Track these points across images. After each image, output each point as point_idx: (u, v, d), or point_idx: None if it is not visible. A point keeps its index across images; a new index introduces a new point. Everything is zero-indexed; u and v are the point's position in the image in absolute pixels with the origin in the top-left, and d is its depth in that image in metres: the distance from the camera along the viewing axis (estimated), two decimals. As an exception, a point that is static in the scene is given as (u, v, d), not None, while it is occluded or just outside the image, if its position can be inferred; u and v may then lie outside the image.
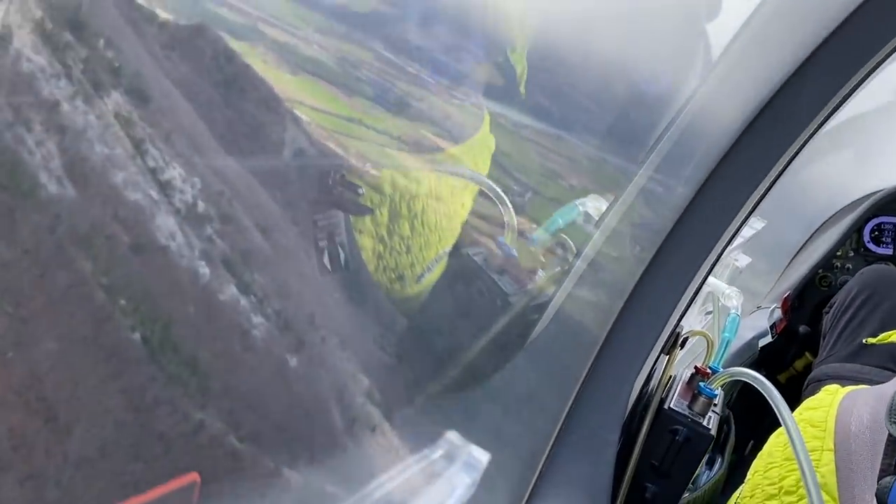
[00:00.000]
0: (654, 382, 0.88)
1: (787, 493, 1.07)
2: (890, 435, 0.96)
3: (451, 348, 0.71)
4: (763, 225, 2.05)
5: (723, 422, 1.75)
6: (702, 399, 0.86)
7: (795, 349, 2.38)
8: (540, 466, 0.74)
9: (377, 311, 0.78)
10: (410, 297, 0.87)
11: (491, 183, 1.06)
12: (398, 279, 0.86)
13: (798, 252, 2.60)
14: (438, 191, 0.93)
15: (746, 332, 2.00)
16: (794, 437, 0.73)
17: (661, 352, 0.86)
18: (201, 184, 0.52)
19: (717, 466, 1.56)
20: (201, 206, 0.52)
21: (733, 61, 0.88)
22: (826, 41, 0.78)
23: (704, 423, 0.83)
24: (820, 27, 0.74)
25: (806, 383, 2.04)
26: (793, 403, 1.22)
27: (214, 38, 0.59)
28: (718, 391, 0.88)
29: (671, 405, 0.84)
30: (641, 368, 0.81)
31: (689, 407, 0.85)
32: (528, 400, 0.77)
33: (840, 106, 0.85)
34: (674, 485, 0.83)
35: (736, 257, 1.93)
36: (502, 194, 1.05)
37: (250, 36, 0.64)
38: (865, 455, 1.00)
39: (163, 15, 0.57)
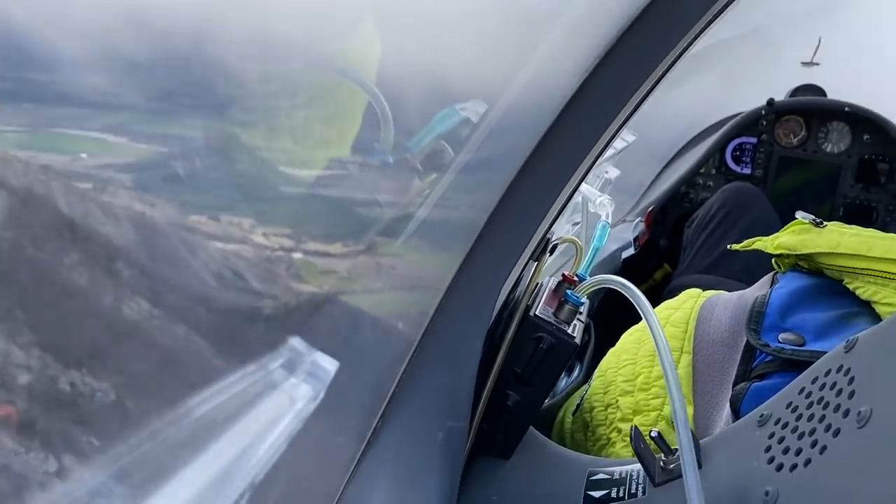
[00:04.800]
0: (521, 289, 0.85)
1: (641, 389, 1.10)
2: (747, 342, 0.99)
3: (312, 251, 0.65)
4: (634, 138, 2.08)
5: (584, 330, 1.80)
6: (568, 307, 0.84)
7: (656, 261, 2.46)
8: (399, 374, 0.70)
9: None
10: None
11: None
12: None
13: (664, 168, 2.68)
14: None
15: (611, 244, 2.05)
16: (657, 337, 0.73)
17: (531, 258, 0.83)
18: None
19: (575, 373, 1.61)
20: None
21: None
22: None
23: (569, 331, 0.82)
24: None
25: (665, 293, 2.12)
26: (653, 311, 1.25)
27: None
28: (585, 299, 0.87)
29: (537, 312, 0.82)
30: (509, 275, 0.78)
31: (555, 314, 0.84)
32: (388, 307, 0.72)
33: (708, 26, 0.83)
34: (536, 392, 0.82)
35: (606, 169, 1.94)
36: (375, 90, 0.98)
37: None
38: (723, 360, 1.03)
39: None
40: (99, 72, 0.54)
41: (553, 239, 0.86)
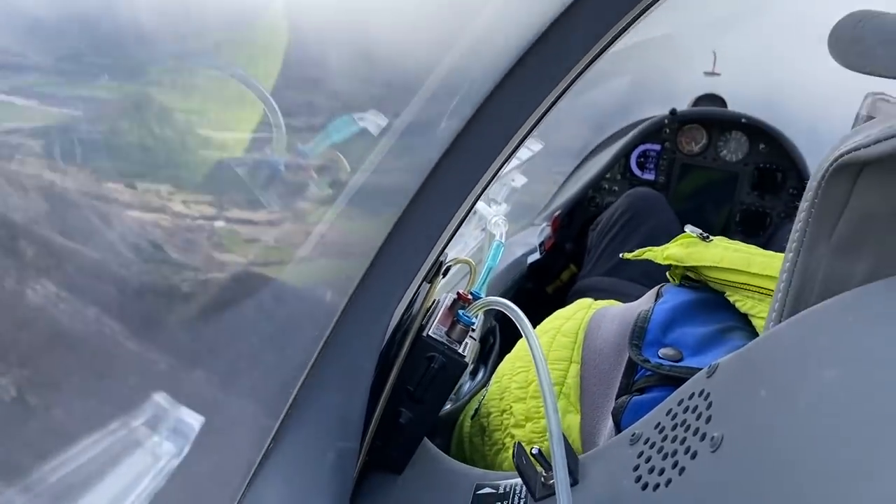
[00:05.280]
0: (415, 309, 0.88)
1: (534, 396, 1.14)
2: (630, 356, 1.04)
3: (188, 278, 0.65)
4: (541, 147, 2.14)
5: (489, 333, 1.84)
6: (459, 326, 0.87)
7: (563, 263, 2.54)
8: (291, 398, 0.72)
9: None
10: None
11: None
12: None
13: (571, 173, 2.75)
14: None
15: (518, 249, 2.10)
16: (539, 364, 0.77)
17: (424, 280, 0.86)
18: None
19: (480, 376, 1.65)
20: None
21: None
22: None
23: (460, 351, 0.85)
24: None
25: (570, 294, 2.19)
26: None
27: None
28: (476, 318, 0.90)
29: (430, 332, 0.85)
30: (403, 297, 0.81)
31: (448, 334, 0.87)
32: (282, 333, 0.74)
33: (617, 38, 0.87)
34: (427, 409, 0.85)
35: (513, 177, 2.00)
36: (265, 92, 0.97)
37: None
38: (608, 372, 1.08)
39: None
40: (2, 30, 0.52)
41: (447, 260, 0.89)
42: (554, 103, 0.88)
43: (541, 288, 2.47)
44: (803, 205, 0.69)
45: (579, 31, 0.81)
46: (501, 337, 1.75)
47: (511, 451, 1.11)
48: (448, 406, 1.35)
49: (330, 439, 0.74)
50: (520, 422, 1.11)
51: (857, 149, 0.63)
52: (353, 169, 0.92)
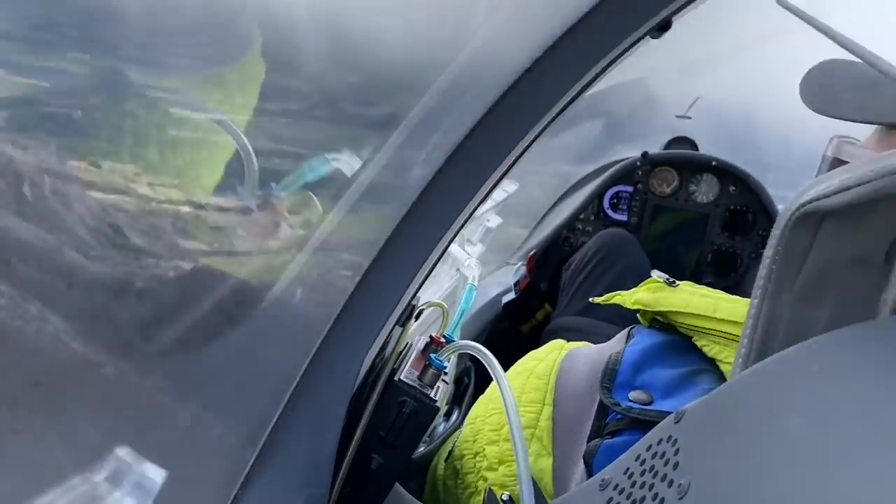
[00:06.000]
0: (387, 353, 0.88)
1: (507, 439, 1.14)
2: (601, 399, 1.05)
3: (154, 320, 0.65)
4: (516, 188, 2.16)
5: (463, 373, 1.84)
6: (431, 370, 0.87)
7: (538, 302, 2.55)
8: (260, 445, 0.71)
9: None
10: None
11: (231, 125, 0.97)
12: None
13: (545, 214, 2.78)
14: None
15: (493, 289, 2.11)
16: (509, 408, 0.77)
17: (396, 323, 0.86)
18: None
19: (454, 418, 1.64)
20: None
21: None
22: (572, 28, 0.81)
23: (432, 395, 0.85)
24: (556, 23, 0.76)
25: (544, 334, 2.20)
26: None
27: None
28: (448, 362, 0.90)
29: (401, 377, 0.85)
30: (375, 341, 0.81)
31: (420, 378, 0.87)
32: (251, 379, 0.73)
33: (593, 82, 0.88)
34: (399, 454, 0.85)
35: (488, 218, 2.01)
36: (244, 139, 0.98)
37: None
38: (580, 415, 1.08)
39: None
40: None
41: (420, 304, 0.90)
42: (527, 147, 0.90)
43: (516, 327, 2.48)
44: (767, 252, 0.71)
45: (555, 75, 0.82)
46: (476, 377, 1.75)
47: (483, 496, 1.11)
48: (422, 448, 1.34)
49: (299, 486, 0.73)
50: (493, 465, 1.11)
51: (818, 198, 0.64)
52: (326, 210, 0.92)
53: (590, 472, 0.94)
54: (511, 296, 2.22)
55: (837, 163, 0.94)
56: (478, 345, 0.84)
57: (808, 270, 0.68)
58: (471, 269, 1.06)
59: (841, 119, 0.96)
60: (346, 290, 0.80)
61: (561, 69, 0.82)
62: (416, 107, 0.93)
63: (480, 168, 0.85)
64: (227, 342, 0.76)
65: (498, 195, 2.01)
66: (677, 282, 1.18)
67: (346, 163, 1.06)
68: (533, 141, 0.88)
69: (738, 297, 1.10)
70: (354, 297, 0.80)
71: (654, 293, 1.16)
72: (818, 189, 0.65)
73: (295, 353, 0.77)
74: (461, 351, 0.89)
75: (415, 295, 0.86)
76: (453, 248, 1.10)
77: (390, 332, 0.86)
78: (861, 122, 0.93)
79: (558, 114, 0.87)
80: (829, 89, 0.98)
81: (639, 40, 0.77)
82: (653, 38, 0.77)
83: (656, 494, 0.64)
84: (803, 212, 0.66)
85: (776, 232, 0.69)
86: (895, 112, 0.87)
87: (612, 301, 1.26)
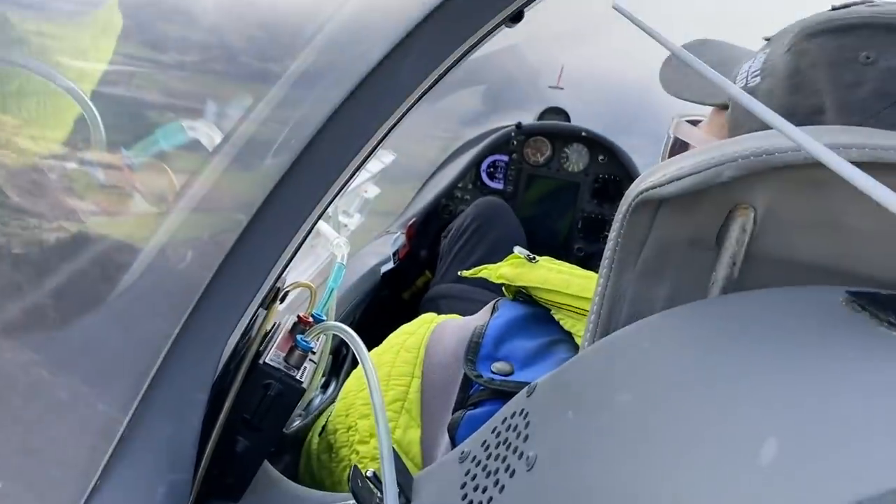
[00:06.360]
0: (251, 336, 0.88)
1: None
2: (465, 372, 1.08)
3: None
4: (393, 158, 2.17)
5: (342, 344, 1.85)
6: (298, 352, 0.88)
7: (418, 270, 2.58)
8: (118, 436, 0.70)
9: None
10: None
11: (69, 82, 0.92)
12: None
13: (425, 182, 2.80)
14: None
15: (371, 259, 2.12)
16: (373, 390, 0.79)
17: (261, 306, 0.86)
18: None
19: (331, 389, 1.65)
20: None
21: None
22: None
23: (297, 377, 0.86)
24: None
25: (423, 302, 2.24)
26: (414, 317, 1.33)
27: None
28: (315, 342, 0.91)
29: (266, 359, 0.85)
30: (237, 325, 0.81)
31: (286, 360, 0.87)
32: (106, 369, 0.72)
33: (464, 56, 0.90)
34: (264, 437, 0.85)
35: (365, 188, 2.02)
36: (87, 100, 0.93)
37: None
38: (445, 386, 1.12)
39: None
40: None
41: (285, 286, 0.90)
42: (393, 127, 0.90)
43: (397, 294, 2.51)
44: (611, 234, 0.75)
45: (427, 47, 0.83)
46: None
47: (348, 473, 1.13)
48: (298, 422, 1.35)
49: (160, 472, 0.73)
50: (364, 438, 1.13)
51: (654, 187, 0.69)
52: (185, 185, 0.90)
53: (454, 443, 0.98)
54: (390, 265, 2.24)
55: (678, 142, 1.00)
56: (343, 325, 0.86)
57: (648, 250, 0.74)
58: (339, 247, 1.07)
59: (691, 101, 1.02)
60: (205, 275, 0.79)
61: (434, 38, 0.82)
62: (281, 80, 0.92)
63: (349, 142, 0.85)
64: (83, 328, 0.74)
65: (374, 166, 2.01)
66: (537, 258, 1.23)
67: (205, 134, 1.04)
68: (395, 124, 0.89)
69: (591, 273, 1.16)
70: (214, 282, 0.79)
71: (516, 269, 1.21)
72: (654, 178, 0.69)
73: (152, 340, 0.75)
74: (327, 331, 0.90)
75: (280, 276, 0.86)
76: (323, 225, 1.10)
77: (254, 314, 0.86)
78: (700, 104, 0.99)
79: (418, 99, 0.88)
80: (682, 73, 1.04)
81: (495, 28, 0.79)
82: (507, 27, 0.79)
83: (508, 466, 0.68)
84: (641, 199, 0.70)
85: (618, 216, 0.74)
86: (717, 93, 0.93)
87: (479, 275, 1.30)
